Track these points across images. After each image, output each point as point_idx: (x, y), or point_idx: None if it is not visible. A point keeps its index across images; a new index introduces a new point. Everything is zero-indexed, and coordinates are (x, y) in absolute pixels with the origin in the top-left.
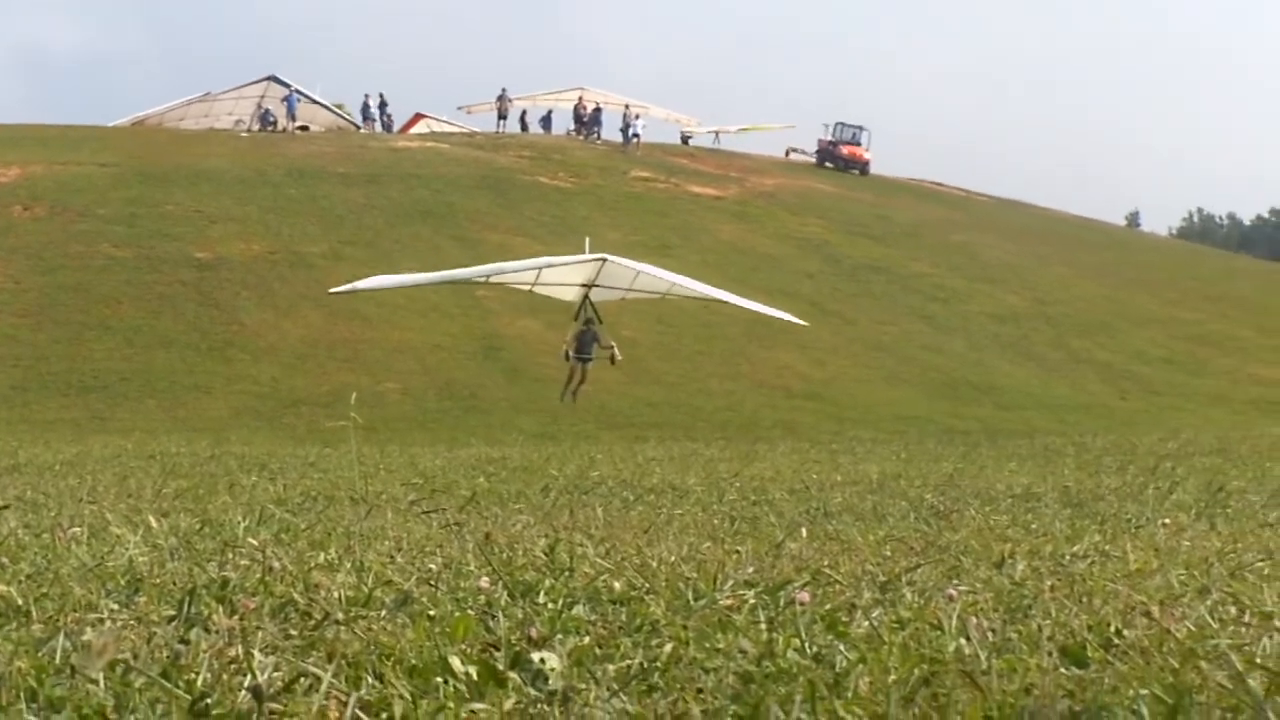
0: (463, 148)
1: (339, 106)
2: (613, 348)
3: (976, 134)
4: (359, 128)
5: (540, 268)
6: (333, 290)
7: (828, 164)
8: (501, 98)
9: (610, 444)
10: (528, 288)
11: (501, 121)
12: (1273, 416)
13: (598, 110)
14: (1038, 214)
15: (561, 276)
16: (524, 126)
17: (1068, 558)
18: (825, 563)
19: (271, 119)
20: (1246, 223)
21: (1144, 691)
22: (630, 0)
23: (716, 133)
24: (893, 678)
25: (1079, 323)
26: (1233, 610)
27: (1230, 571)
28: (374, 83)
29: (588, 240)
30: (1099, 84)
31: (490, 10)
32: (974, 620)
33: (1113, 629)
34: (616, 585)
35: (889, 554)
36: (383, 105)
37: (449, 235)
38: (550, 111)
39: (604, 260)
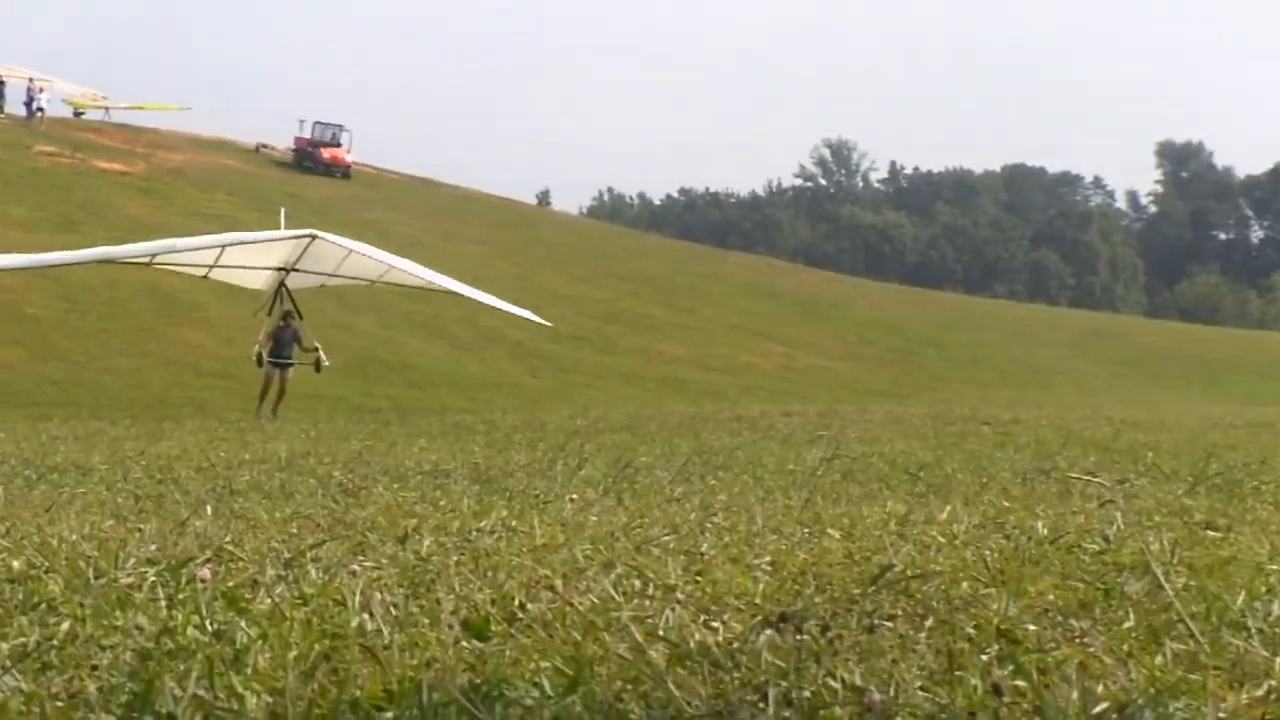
0: None
1: None
2: (318, 350)
3: (391, 111)
4: None
5: (225, 245)
6: None
7: (306, 165)
8: None
9: (13, 423)
10: (203, 271)
11: None
12: (681, 394)
13: (0, 83)
14: (449, 192)
15: (252, 257)
16: None
17: (474, 533)
18: (229, 540)
19: None
20: (657, 202)
21: (545, 664)
22: None
23: (107, 109)
24: (294, 653)
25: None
26: (637, 584)
27: (636, 546)
28: None
29: (283, 213)
30: (513, 63)
31: None
32: (377, 595)
33: (516, 602)
34: (15, 564)
35: (295, 531)
36: None
37: None
38: None
39: (313, 238)
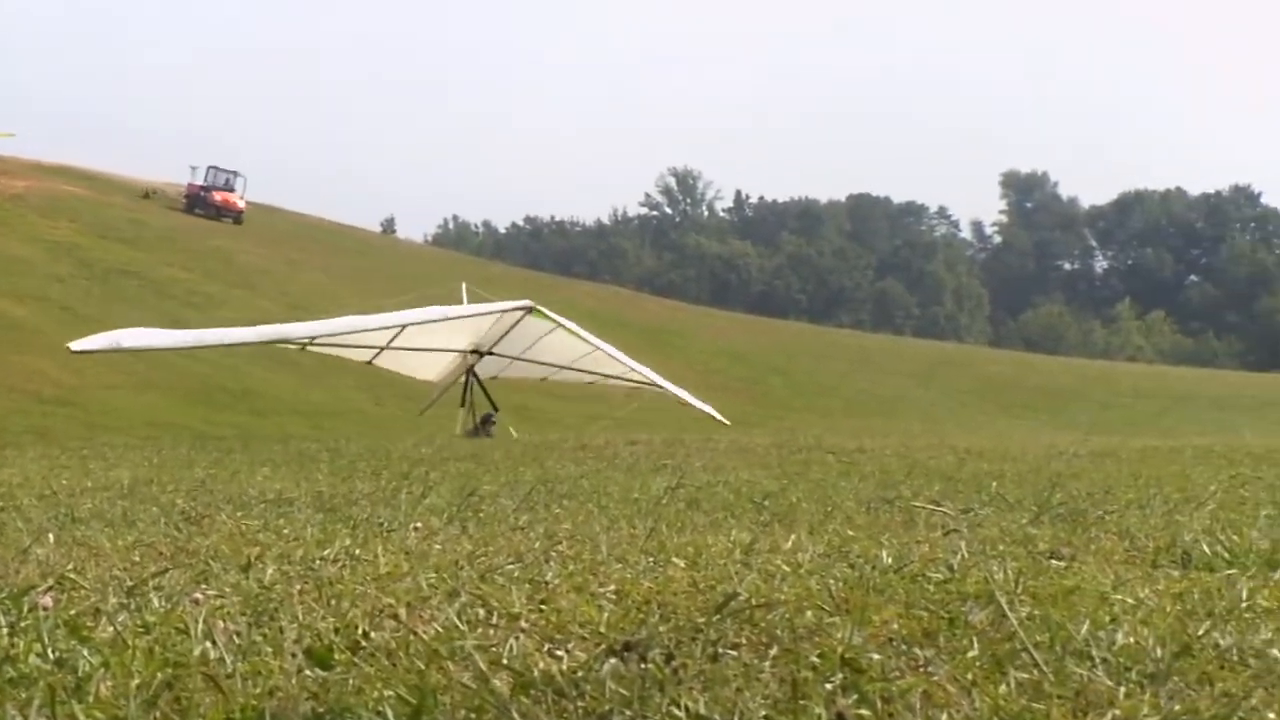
0: None
1: None
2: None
3: (234, 138)
4: None
5: (420, 323)
6: (77, 348)
7: (197, 211)
8: None
9: None
10: (369, 355)
11: None
12: (528, 422)
13: None
14: (293, 219)
15: (436, 338)
16: None
17: (318, 561)
18: (71, 568)
19: None
20: (502, 230)
21: (388, 693)
22: None
23: None
24: (136, 681)
25: None
26: (481, 612)
27: (480, 574)
28: None
29: (464, 287)
30: (357, 90)
31: None
32: (220, 624)
33: (360, 631)
34: None
35: (138, 559)
36: None
37: None
38: None
39: (528, 311)
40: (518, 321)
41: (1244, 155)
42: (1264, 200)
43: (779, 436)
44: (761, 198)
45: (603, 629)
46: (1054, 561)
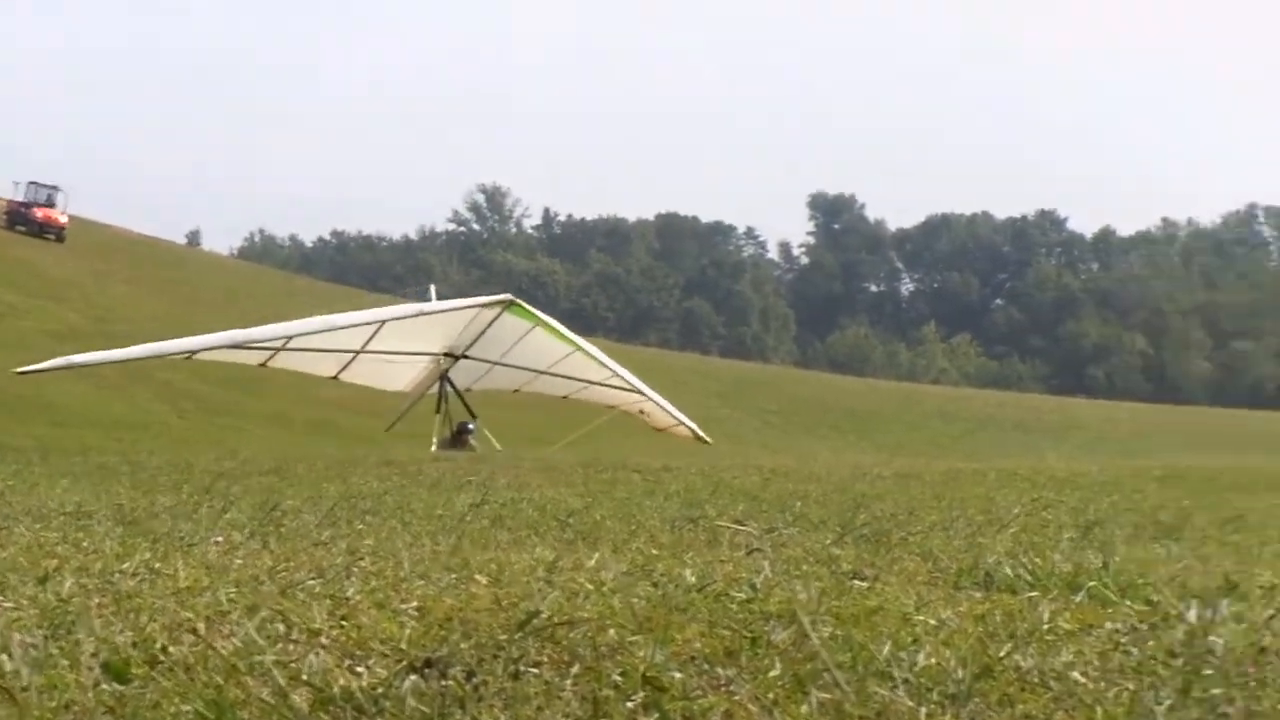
0: None
1: None
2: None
3: (38, 148)
4: None
5: (393, 319)
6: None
7: (19, 228)
8: None
9: None
10: (338, 366)
11: None
12: (332, 437)
13: None
14: (97, 231)
15: (410, 339)
16: None
17: (117, 575)
18: None
19: None
20: (309, 244)
21: (186, 707)
22: None
23: None
24: None
25: (141, 340)
26: (281, 628)
27: (281, 590)
28: None
29: (433, 288)
30: (163, 103)
31: None
32: (16, 636)
33: (158, 645)
34: None
35: None
36: None
37: None
38: None
39: (507, 305)
40: (496, 317)
41: (1049, 181)
42: (1069, 225)
43: (584, 455)
44: (570, 216)
45: (404, 645)
46: (857, 582)
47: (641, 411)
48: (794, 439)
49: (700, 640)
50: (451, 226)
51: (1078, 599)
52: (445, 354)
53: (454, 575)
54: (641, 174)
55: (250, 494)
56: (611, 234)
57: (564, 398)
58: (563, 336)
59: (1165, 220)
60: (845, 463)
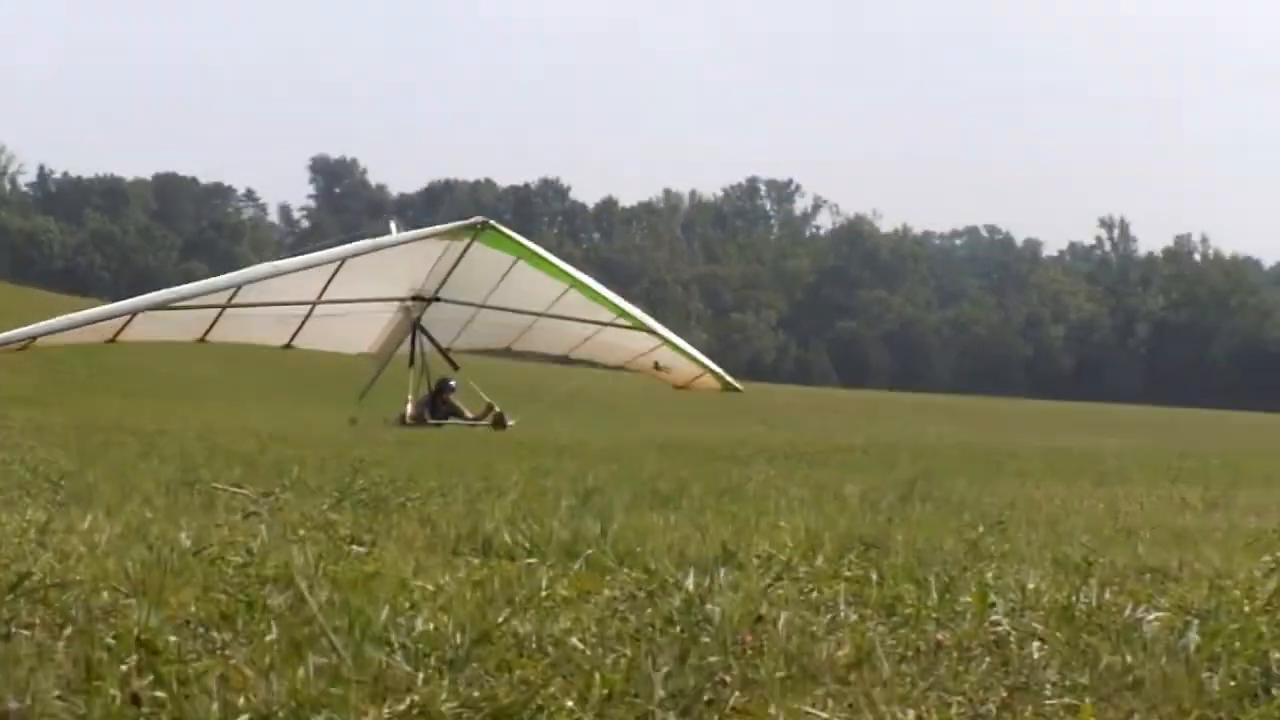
0: None
1: None
2: (493, 410)
3: None
4: None
5: (349, 257)
6: None
7: None
8: None
9: None
10: (289, 332)
11: None
12: None
13: None
14: None
15: (372, 284)
16: None
17: None
18: None
19: None
20: None
21: None
22: None
23: None
24: None
25: None
26: None
27: None
28: None
29: (393, 224)
30: None
31: None
32: None
33: None
34: None
35: None
36: None
37: None
38: None
39: (480, 228)
40: (467, 248)
41: (554, 150)
42: (572, 195)
43: (78, 417)
44: (65, 173)
45: None
46: (355, 547)
47: (657, 366)
48: (294, 405)
49: (196, 604)
50: None
51: (576, 566)
52: (414, 298)
53: None
54: (140, 133)
55: None
56: (108, 193)
57: (564, 357)
58: (554, 268)
59: (668, 191)
60: (336, 426)
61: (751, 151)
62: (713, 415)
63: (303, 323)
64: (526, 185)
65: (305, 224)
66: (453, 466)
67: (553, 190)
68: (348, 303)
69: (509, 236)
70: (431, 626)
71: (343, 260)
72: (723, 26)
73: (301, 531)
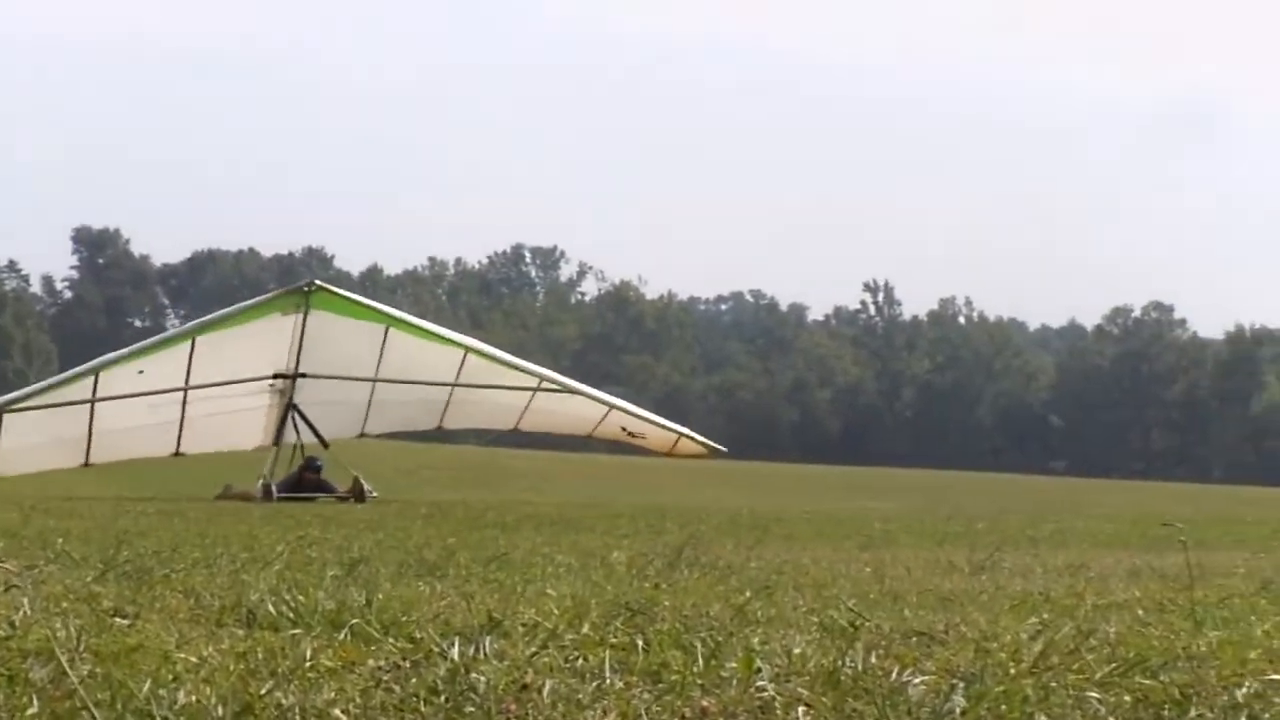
0: None
1: None
2: (360, 487)
3: None
4: None
5: (201, 329)
6: None
7: None
8: None
9: None
10: (172, 443)
11: None
12: None
13: None
14: None
15: (233, 365)
16: None
17: None
18: None
19: None
20: None
21: None
22: None
23: None
24: None
25: None
26: None
27: None
28: None
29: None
30: None
31: None
32: None
33: None
34: None
35: None
36: None
37: None
38: None
39: (309, 290)
40: (306, 315)
41: (319, 216)
42: (336, 263)
43: None
44: None
45: None
46: (118, 619)
47: (630, 434)
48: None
49: None
50: None
51: (341, 636)
52: (275, 375)
53: None
54: None
55: None
56: None
57: (514, 429)
58: (436, 336)
59: (433, 259)
60: (110, 498)
61: (517, 217)
62: (478, 482)
63: (181, 421)
64: (291, 254)
65: (68, 294)
66: (217, 537)
67: (317, 259)
68: (217, 385)
69: (346, 297)
70: (194, 699)
71: (193, 336)
72: (483, 91)
73: (64, 604)
